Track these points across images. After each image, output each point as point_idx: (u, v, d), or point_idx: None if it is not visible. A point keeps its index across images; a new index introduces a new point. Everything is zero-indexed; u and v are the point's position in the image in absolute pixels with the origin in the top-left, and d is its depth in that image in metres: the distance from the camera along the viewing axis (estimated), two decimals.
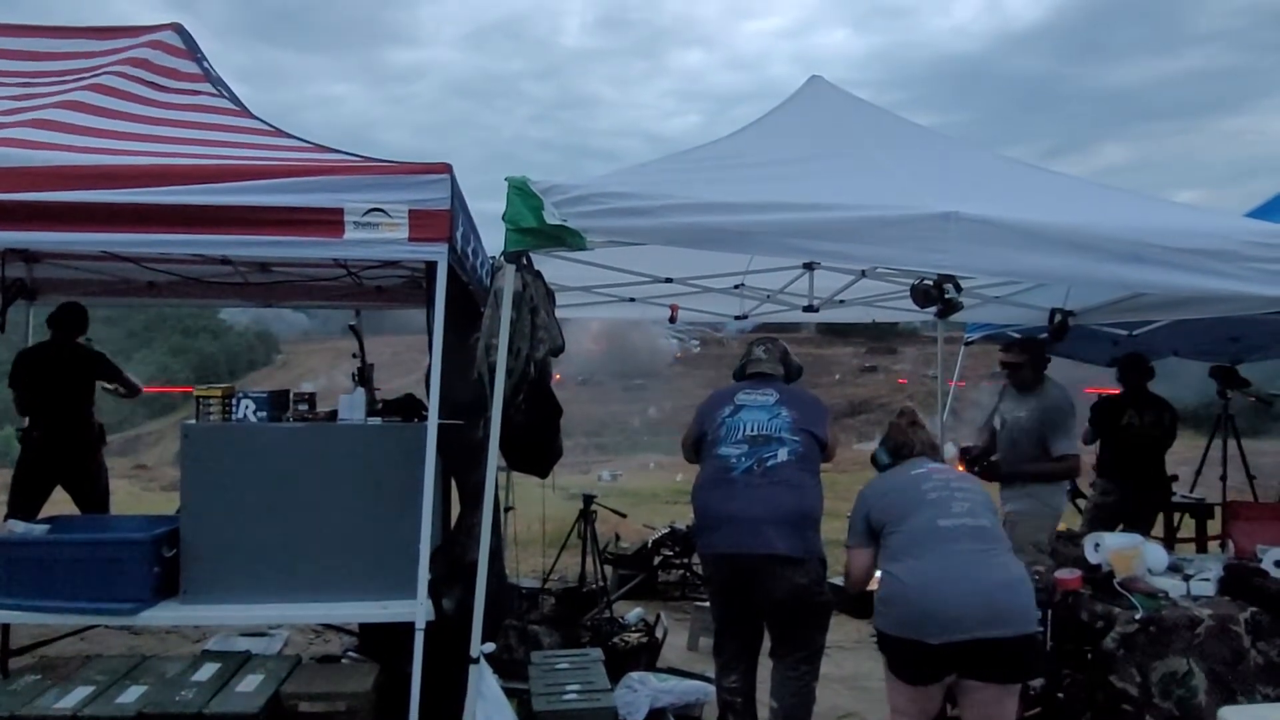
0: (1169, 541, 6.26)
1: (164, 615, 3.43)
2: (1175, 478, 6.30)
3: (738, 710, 3.69)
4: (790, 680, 3.57)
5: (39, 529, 3.67)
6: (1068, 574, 3.87)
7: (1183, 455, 6.95)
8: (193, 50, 4.54)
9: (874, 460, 3.49)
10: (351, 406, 3.71)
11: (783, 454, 3.54)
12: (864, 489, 3.36)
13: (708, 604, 5.54)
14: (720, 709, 3.77)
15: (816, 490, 3.59)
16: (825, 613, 3.65)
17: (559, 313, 3.63)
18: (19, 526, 3.70)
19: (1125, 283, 3.57)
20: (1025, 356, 4.96)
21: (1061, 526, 6.05)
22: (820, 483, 3.65)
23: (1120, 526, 5.38)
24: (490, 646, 3.19)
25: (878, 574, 3.17)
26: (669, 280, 5.24)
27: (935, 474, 3.22)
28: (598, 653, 4.15)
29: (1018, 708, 3.50)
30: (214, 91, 4.28)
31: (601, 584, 5.89)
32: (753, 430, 3.61)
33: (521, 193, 3.00)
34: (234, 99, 4.31)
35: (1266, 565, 3.82)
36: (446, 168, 3.16)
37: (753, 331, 6.97)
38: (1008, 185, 3.89)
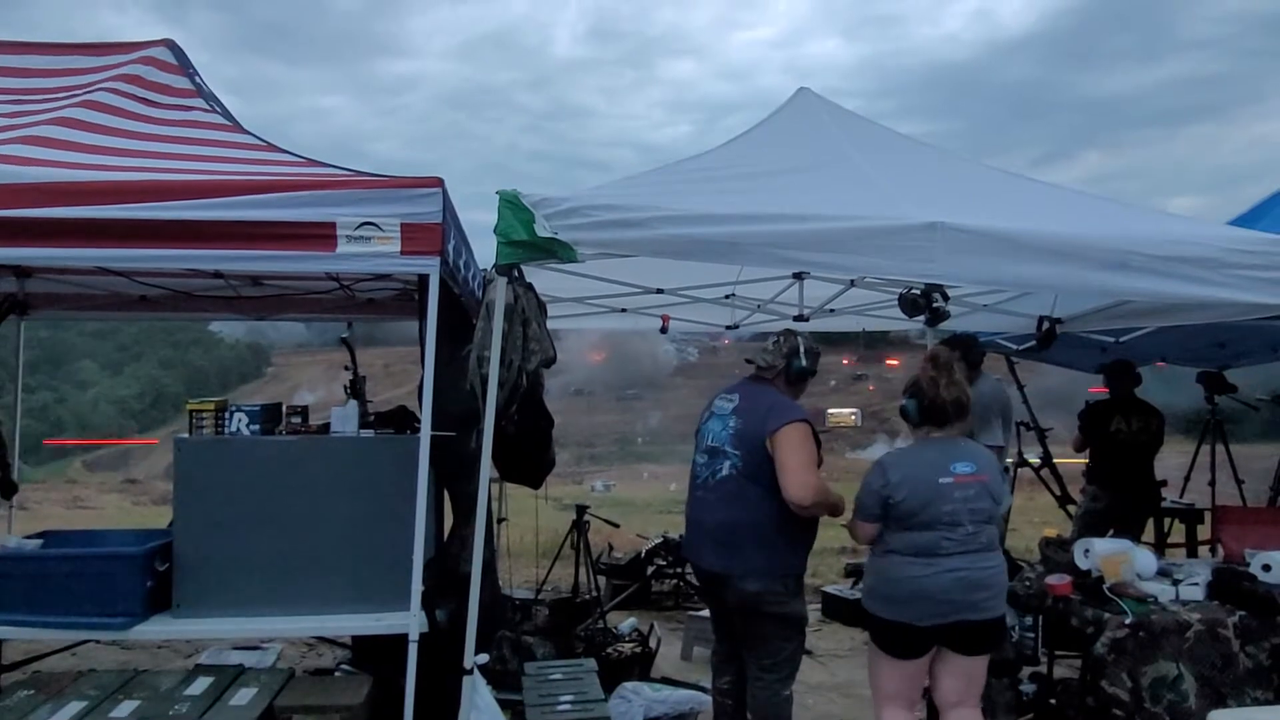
0: (1159, 546, 6.30)
1: (157, 629, 3.43)
2: (1164, 483, 6.34)
3: (729, 712, 3.70)
4: (759, 689, 3.52)
5: (31, 543, 3.67)
6: (1058, 580, 3.90)
7: (1172, 460, 6.99)
8: (185, 66, 4.55)
9: (903, 413, 3.33)
10: (344, 419, 3.73)
11: (726, 467, 3.47)
12: (887, 460, 3.29)
13: (701, 613, 5.57)
14: (714, 711, 3.79)
15: (766, 502, 3.36)
16: (787, 621, 3.48)
17: (551, 324, 3.65)
18: (11, 540, 3.69)
19: (1111, 290, 3.61)
20: (954, 354, 4.91)
21: (1052, 532, 6.08)
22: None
23: (1110, 532, 5.41)
24: (484, 658, 3.20)
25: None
26: (660, 291, 5.27)
27: (959, 489, 3.14)
28: (591, 663, 4.16)
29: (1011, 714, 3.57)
30: (206, 107, 4.29)
31: (595, 594, 5.89)
32: (711, 441, 3.58)
33: (513, 206, 3.03)
34: (226, 114, 4.33)
35: (1254, 569, 3.85)
36: (438, 181, 3.18)
37: (750, 340, 7.00)
38: (993, 195, 3.93)
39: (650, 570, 6.83)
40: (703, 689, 4.31)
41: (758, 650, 3.52)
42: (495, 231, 3.07)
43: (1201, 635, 3.56)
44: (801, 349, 3.65)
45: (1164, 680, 3.51)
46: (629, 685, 4.12)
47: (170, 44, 4.68)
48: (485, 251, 3.43)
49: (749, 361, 3.76)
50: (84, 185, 3.06)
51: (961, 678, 3.25)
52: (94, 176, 3.14)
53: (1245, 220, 4.74)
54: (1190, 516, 6.68)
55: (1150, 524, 6.45)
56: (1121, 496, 5.91)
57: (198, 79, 4.51)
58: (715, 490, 3.49)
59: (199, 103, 4.31)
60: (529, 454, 4.12)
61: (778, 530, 3.39)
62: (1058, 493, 6.85)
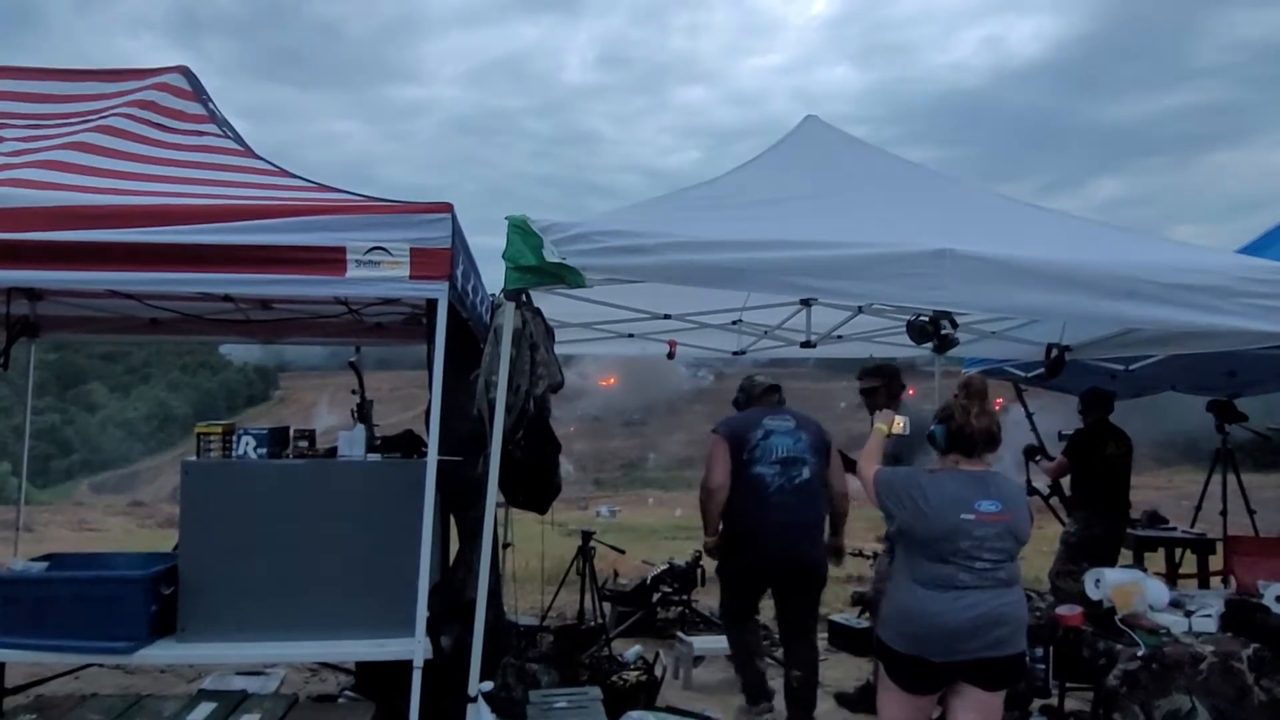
0: (1171, 577, 6.24)
1: (161, 654, 3.40)
2: (1130, 505, 6.34)
3: (760, 652, 4.58)
4: (806, 650, 4.32)
5: (37, 566, 3.66)
6: (1069, 610, 3.85)
7: (1184, 490, 6.93)
8: (198, 92, 4.59)
9: (930, 439, 3.22)
10: (351, 443, 3.72)
11: (806, 472, 4.31)
12: (925, 479, 3.14)
13: (690, 638, 5.53)
14: (744, 657, 4.51)
15: (826, 497, 4.44)
16: (825, 583, 4.50)
17: (558, 349, 3.65)
18: (17, 563, 3.69)
19: (1119, 318, 3.61)
20: (879, 381, 4.77)
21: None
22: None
23: (1130, 559, 5.38)
24: (488, 685, 3.18)
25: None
26: (667, 316, 5.28)
27: (979, 526, 3.04)
28: (596, 691, 4.12)
29: None
30: (219, 132, 4.33)
31: (600, 621, 5.85)
32: (783, 453, 4.30)
33: (521, 231, 3.05)
34: (239, 139, 4.37)
35: (1268, 600, 3.81)
36: (448, 207, 3.20)
37: (754, 367, 7.01)
38: (1001, 222, 3.94)
39: (656, 597, 6.78)
40: (709, 718, 4.27)
41: (807, 613, 4.39)
42: (504, 256, 3.09)
43: (1215, 668, 3.51)
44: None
45: (1177, 713, 3.46)
46: (634, 714, 4.07)
47: (184, 70, 4.73)
48: (493, 276, 3.44)
49: (777, 400, 4.61)
50: (96, 209, 3.08)
51: (979, 713, 3.14)
52: (108, 200, 3.16)
53: (1255, 248, 4.73)
54: (1202, 547, 6.62)
55: (1162, 554, 6.41)
56: (1118, 520, 5.92)
57: (211, 105, 4.55)
58: (797, 493, 4.28)
59: (212, 128, 4.35)
60: (535, 479, 4.11)
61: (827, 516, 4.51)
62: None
